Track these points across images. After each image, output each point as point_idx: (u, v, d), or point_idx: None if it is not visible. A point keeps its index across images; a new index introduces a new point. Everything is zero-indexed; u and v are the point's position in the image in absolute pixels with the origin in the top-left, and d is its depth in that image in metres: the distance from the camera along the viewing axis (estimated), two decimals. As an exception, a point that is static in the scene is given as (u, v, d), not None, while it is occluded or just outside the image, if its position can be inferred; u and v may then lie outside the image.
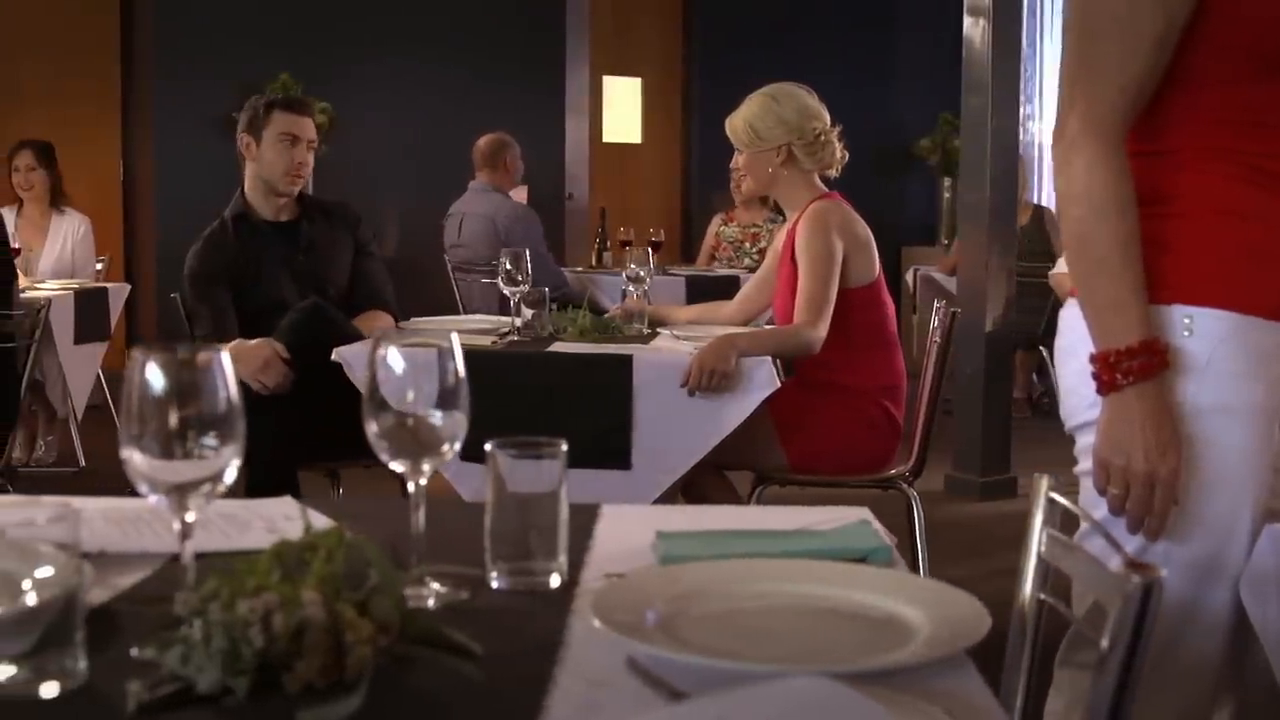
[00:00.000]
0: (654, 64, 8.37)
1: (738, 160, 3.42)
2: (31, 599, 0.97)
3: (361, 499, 3.47)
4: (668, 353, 3.13)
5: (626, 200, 7.87)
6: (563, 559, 1.25)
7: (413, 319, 3.72)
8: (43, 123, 6.50)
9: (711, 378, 2.91)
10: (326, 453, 3.28)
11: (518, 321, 3.36)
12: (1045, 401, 6.96)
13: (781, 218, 6.80)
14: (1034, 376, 7.01)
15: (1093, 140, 1.49)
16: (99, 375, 5.44)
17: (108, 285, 5.57)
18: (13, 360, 3.27)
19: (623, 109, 8.37)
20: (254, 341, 3.22)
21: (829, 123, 3.30)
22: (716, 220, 6.97)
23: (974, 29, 5.06)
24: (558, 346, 3.18)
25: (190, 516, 1.05)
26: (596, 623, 1.07)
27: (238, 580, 1.04)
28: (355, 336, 3.26)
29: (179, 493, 1.04)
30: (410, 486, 1.21)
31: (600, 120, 8.16)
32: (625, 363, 3.02)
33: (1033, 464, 5.34)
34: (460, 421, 1.20)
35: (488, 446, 1.27)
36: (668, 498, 3.04)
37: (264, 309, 3.46)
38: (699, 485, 3.28)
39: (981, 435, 5.09)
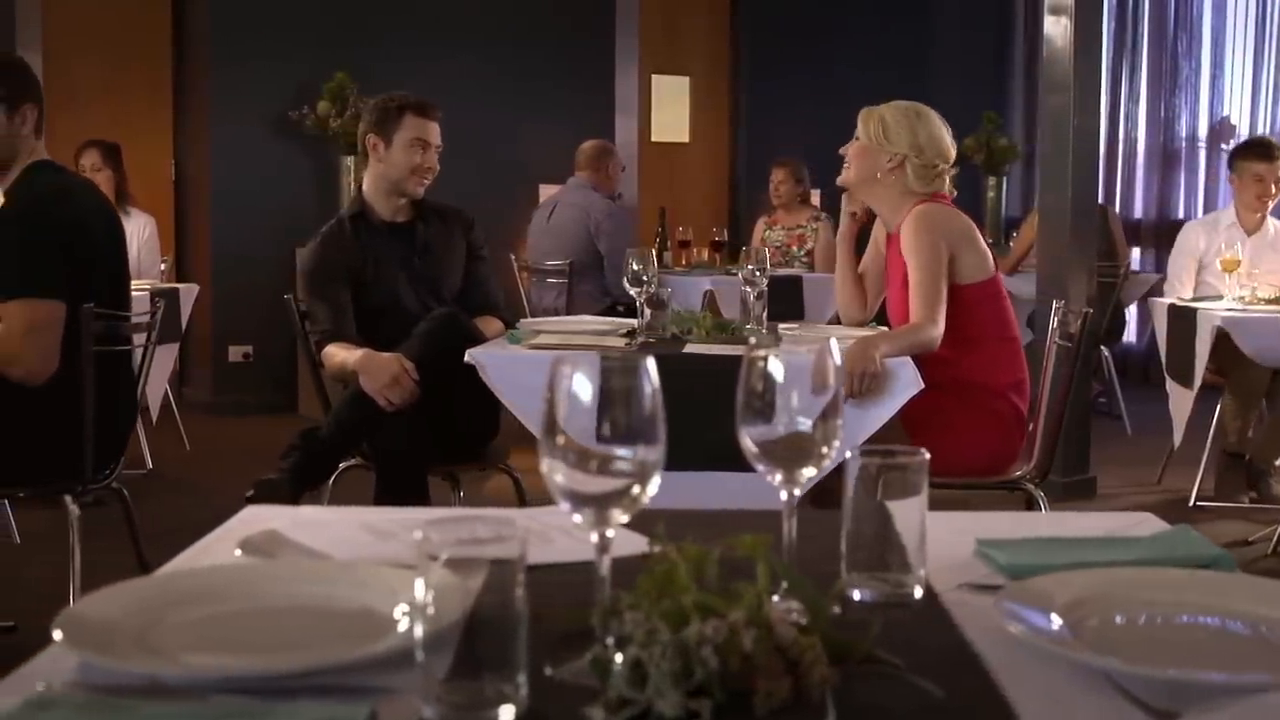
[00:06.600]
0: (702, 63, 8.32)
1: (848, 147, 3.39)
2: (445, 618, 0.93)
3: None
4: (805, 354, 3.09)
5: (674, 200, 7.81)
6: (922, 571, 1.21)
7: (520, 321, 3.68)
8: (95, 121, 6.44)
9: (863, 380, 2.88)
10: (454, 456, 3.31)
11: (641, 322, 3.32)
12: (1103, 402, 6.93)
13: (824, 215, 6.76)
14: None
15: None
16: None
17: (179, 286, 5.52)
18: (130, 362, 3.21)
19: (671, 108, 8.32)
20: (384, 355, 3.17)
21: (951, 162, 3.33)
22: (760, 225, 6.92)
23: (1055, 27, 5.03)
24: (691, 348, 3.14)
25: (610, 532, 1.01)
26: (1014, 629, 1.04)
27: (648, 593, 1.01)
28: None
29: (599, 505, 1.00)
30: (783, 495, 1.18)
31: (649, 119, 8.11)
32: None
33: (1107, 464, 5.34)
34: (836, 428, 1.16)
35: (848, 453, 1.23)
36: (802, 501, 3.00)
37: (379, 310, 3.42)
38: (825, 487, 3.24)
39: (1061, 436, 5.03)
